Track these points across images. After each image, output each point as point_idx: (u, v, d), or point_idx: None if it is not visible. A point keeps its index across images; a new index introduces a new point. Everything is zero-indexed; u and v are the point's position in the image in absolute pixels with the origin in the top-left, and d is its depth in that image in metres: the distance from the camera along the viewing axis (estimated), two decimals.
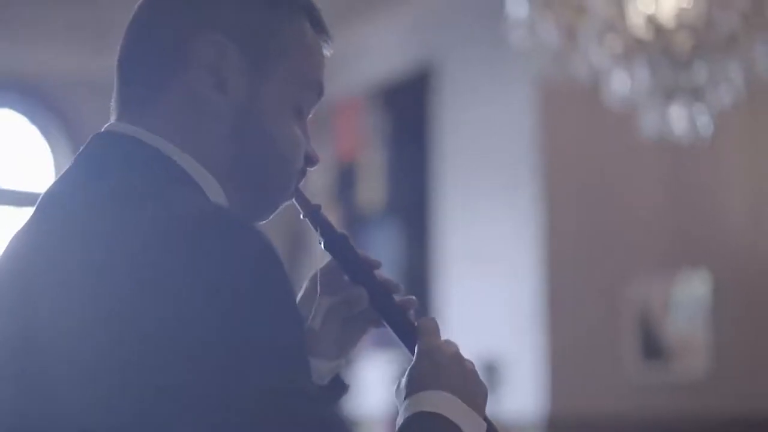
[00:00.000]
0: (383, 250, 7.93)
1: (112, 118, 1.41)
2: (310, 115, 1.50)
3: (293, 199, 1.51)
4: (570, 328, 6.75)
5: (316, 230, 1.55)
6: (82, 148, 1.38)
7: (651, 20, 4.34)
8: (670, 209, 6.80)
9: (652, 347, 6.73)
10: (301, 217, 1.55)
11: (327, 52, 1.49)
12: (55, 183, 1.37)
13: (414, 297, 1.59)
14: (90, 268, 1.20)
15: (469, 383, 1.42)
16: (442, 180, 7.66)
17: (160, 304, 1.14)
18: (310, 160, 1.48)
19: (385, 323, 1.57)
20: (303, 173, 1.48)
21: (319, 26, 1.47)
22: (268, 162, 1.41)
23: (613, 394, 6.71)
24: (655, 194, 6.82)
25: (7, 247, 1.35)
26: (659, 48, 4.36)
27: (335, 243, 1.56)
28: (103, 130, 1.40)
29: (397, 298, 1.57)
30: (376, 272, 1.58)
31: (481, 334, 6.97)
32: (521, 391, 6.74)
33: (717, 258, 6.73)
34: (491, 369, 6.77)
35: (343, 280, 1.58)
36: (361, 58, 8.02)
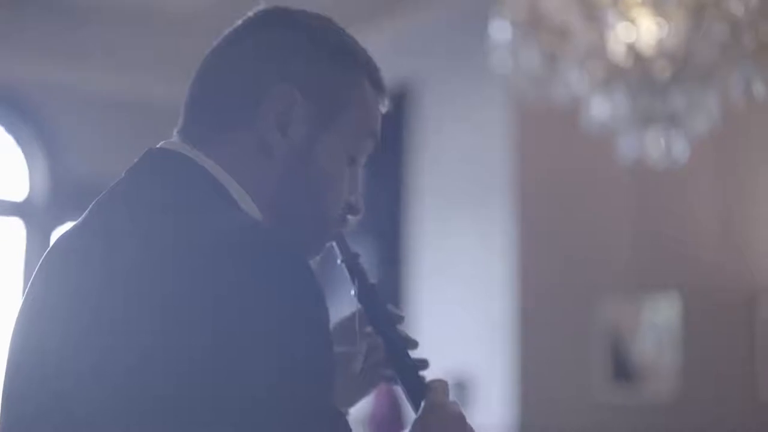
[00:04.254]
0: None
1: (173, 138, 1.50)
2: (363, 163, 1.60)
3: (334, 243, 1.59)
4: (540, 348, 6.79)
5: (352, 278, 1.62)
6: (135, 161, 1.46)
7: (631, 48, 4.41)
8: (642, 232, 6.87)
9: (621, 368, 6.78)
10: (338, 262, 1.63)
11: (383, 108, 1.60)
12: (108, 191, 1.44)
13: (427, 360, 1.66)
14: (133, 274, 1.27)
15: None
16: (417, 199, 7.70)
17: (197, 311, 1.21)
18: (353, 209, 1.57)
19: (397, 377, 1.63)
20: (344, 220, 1.57)
21: (377, 84, 1.58)
22: (307, 204, 1.50)
23: (582, 413, 6.75)
24: (626, 217, 6.88)
25: (54, 248, 1.42)
26: (638, 75, 4.43)
27: (367, 292, 1.63)
28: (158, 146, 1.48)
29: (412, 357, 1.64)
30: (398, 327, 1.65)
31: (452, 351, 7.00)
32: (491, 407, 6.77)
33: (687, 281, 6.79)
34: (462, 386, 6.81)
35: (364, 331, 1.66)
36: None
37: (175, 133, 1.51)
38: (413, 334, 1.70)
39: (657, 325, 6.80)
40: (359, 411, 6.43)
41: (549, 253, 6.88)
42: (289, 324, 1.23)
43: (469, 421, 1.55)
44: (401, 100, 7.70)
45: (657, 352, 6.80)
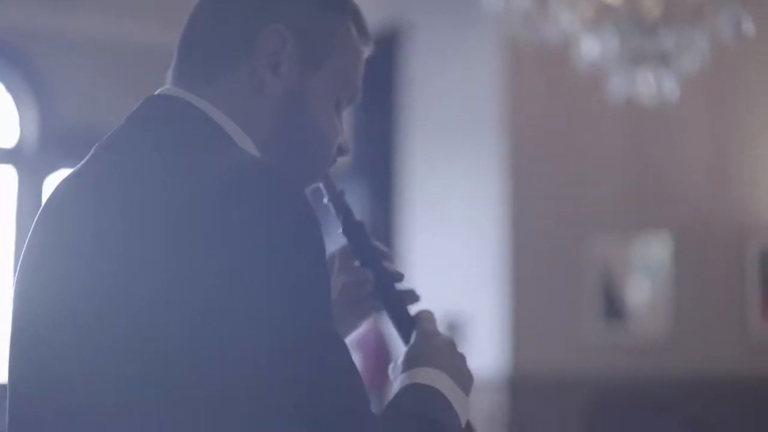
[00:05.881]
0: None
1: (168, 84, 1.53)
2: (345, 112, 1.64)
3: (321, 183, 1.64)
4: (532, 288, 6.83)
5: (338, 215, 1.67)
6: (135, 108, 1.49)
7: None
8: (633, 172, 6.89)
9: (613, 308, 6.82)
10: (325, 201, 1.66)
11: (367, 53, 1.64)
12: (108, 137, 1.47)
13: (415, 291, 1.71)
14: (137, 219, 1.29)
15: (461, 370, 1.54)
16: (408, 139, 7.71)
17: (200, 252, 1.24)
18: (342, 150, 1.60)
19: (385, 310, 1.68)
20: (334, 160, 1.60)
21: (362, 30, 1.62)
22: (306, 142, 1.54)
23: (574, 353, 6.80)
24: (618, 157, 6.90)
25: (55, 194, 1.44)
26: (628, 14, 4.43)
27: (353, 229, 1.67)
28: (156, 93, 1.51)
29: (399, 288, 1.69)
30: (385, 262, 1.70)
31: (444, 293, 7.03)
32: (483, 348, 6.81)
33: (678, 220, 6.82)
34: (454, 326, 6.85)
35: (352, 264, 1.70)
36: None
37: (168, 74, 1.54)
38: (407, 275, 1.74)
39: (648, 264, 6.84)
40: (352, 342, 6.48)
41: (541, 193, 6.91)
42: (293, 254, 1.27)
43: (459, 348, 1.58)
44: (392, 41, 7.69)
45: (648, 292, 6.84)
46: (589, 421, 6.65)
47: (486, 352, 6.82)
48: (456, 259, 7.16)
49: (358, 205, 7.94)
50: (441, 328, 1.62)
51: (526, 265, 6.84)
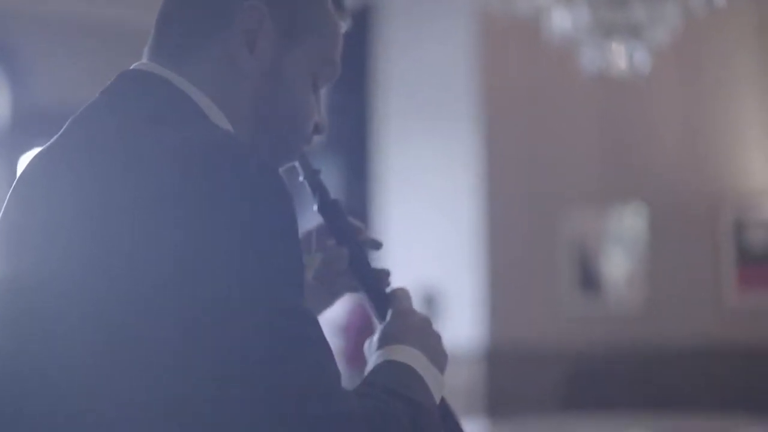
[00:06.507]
0: None
1: (144, 60, 1.52)
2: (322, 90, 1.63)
3: (296, 162, 1.64)
4: (508, 261, 6.85)
5: (314, 193, 1.68)
6: (109, 83, 1.49)
7: None
8: (607, 143, 6.91)
9: (589, 280, 6.84)
10: (300, 179, 1.67)
11: (344, 28, 1.63)
12: (80, 111, 1.46)
13: (389, 270, 1.71)
14: (105, 190, 1.29)
15: (436, 348, 1.55)
16: (383, 114, 7.71)
17: (169, 222, 1.24)
18: (319, 128, 1.60)
19: (360, 287, 1.70)
20: (310, 138, 1.60)
21: (339, 6, 1.61)
22: (282, 119, 1.54)
23: (551, 325, 6.83)
24: (592, 128, 6.92)
25: (28, 169, 1.44)
26: None
27: (328, 207, 1.68)
28: (131, 68, 1.50)
29: (374, 266, 1.70)
30: (361, 234, 1.72)
31: (420, 267, 7.06)
32: (460, 322, 6.84)
33: (652, 192, 6.85)
34: (430, 300, 6.87)
35: (328, 243, 1.71)
36: None
37: (145, 50, 1.53)
38: (383, 250, 1.75)
39: (623, 236, 6.87)
40: (336, 322, 6.49)
41: (515, 166, 6.92)
42: (262, 230, 1.26)
43: (434, 326, 1.59)
44: (365, 16, 7.68)
45: (624, 263, 6.87)
46: (566, 393, 6.69)
47: (463, 325, 6.84)
48: (432, 234, 7.18)
49: (334, 181, 7.95)
50: (417, 305, 1.63)
51: (502, 238, 6.86)
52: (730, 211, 6.67)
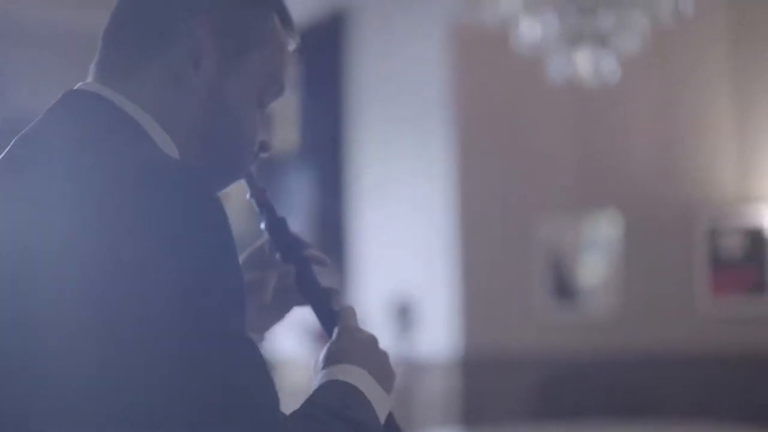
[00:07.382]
0: (297, 193, 7.98)
1: (89, 80, 1.52)
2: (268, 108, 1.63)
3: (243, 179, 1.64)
4: (482, 269, 6.86)
5: (260, 211, 1.68)
6: (53, 103, 1.48)
7: None
8: (580, 151, 6.92)
9: (564, 286, 6.85)
10: (248, 197, 1.68)
11: (292, 47, 1.62)
12: (25, 131, 1.47)
13: (336, 288, 1.72)
14: (44, 211, 1.29)
15: (382, 367, 1.53)
16: (356, 123, 7.71)
17: (104, 244, 1.24)
18: (264, 147, 1.60)
19: (309, 305, 1.70)
20: (255, 157, 1.60)
21: (287, 24, 1.60)
22: (226, 137, 1.53)
23: (526, 332, 6.83)
24: (566, 136, 6.93)
25: None
26: None
27: (275, 225, 1.69)
28: (75, 87, 1.50)
29: (322, 284, 1.70)
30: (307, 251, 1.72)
31: (395, 274, 7.05)
32: (435, 329, 6.84)
33: (626, 199, 6.86)
34: (405, 310, 6.87)
35: (275, 259, 1.71)
36: None
37: (92, 66, 1.53)
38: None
39: (598, 243, 6.87)
40: (314, 329, 6.48)
41: (489, 174, 6.93)
42: (193, 252, 1.26)
43: (381, 345, 1.59)
44: (338, 25, 7.69)
45: (599, 270, 6.88)
46: (541, 400, 6.69)
47: (438, 333, 6.84)
48: (406, 241, 7.17)
49: (307, 191, 7.96)
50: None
51: (476, 245, 6.86)
52: (704, 219, 6.67)
